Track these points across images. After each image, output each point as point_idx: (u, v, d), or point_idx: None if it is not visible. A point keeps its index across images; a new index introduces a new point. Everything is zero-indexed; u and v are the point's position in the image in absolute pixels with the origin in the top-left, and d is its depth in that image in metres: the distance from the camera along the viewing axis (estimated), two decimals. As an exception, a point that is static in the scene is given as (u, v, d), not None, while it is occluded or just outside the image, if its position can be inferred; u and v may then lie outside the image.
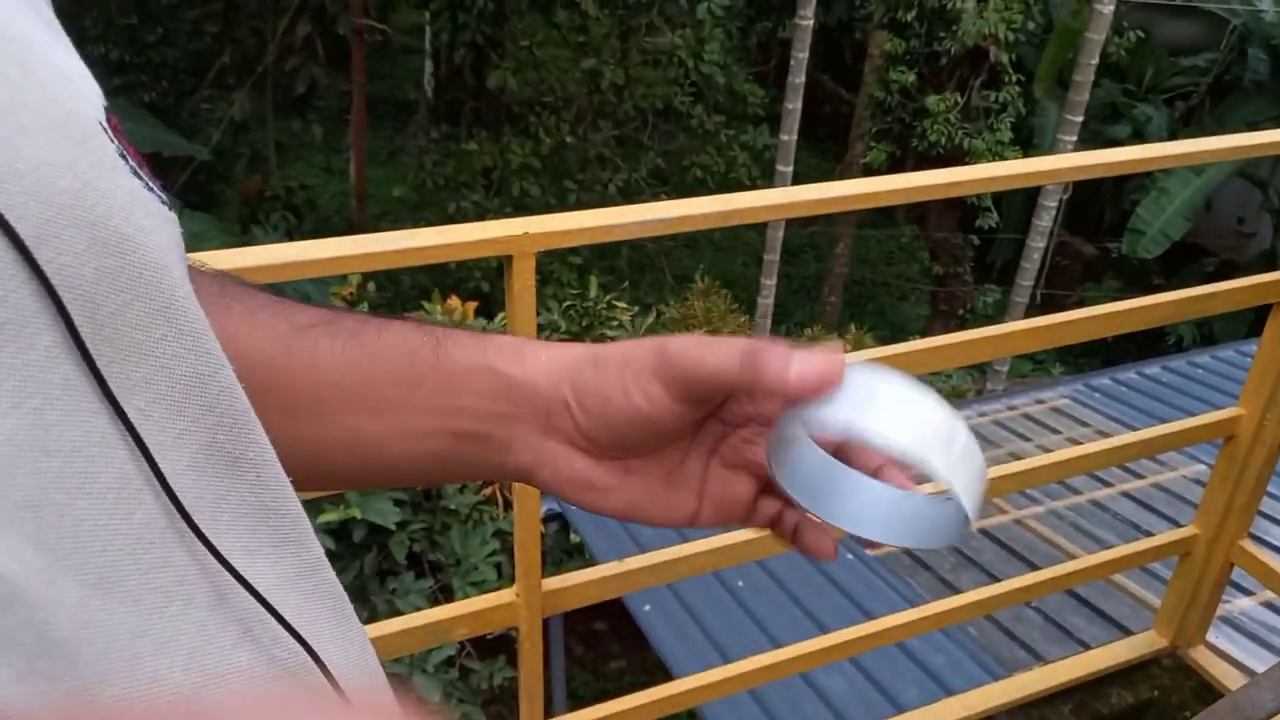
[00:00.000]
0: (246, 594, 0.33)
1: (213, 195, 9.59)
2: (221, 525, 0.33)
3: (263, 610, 0.33)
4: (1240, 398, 1.76)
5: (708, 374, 0.43)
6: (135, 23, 8.77)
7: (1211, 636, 2.17)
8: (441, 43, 10.94)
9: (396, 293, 8.49)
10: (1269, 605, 3.68)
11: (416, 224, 9.24)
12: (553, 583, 1.32)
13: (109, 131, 0.32)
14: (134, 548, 0.29)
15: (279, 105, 9.69)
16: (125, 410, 0.29)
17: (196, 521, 0.31)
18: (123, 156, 0.32)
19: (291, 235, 7.89)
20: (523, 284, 1.05)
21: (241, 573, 0.32)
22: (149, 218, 0.32)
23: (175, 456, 0.31)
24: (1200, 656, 2.03)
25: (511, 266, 1.04)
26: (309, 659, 0.34)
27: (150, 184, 0.34)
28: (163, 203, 0.34)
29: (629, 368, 0.44)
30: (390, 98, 13.67)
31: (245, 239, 8.32)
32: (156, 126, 7.90)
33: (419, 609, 4.50)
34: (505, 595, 1.30)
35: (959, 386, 9.37)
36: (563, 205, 9.65)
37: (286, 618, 0.34)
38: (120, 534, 0.28)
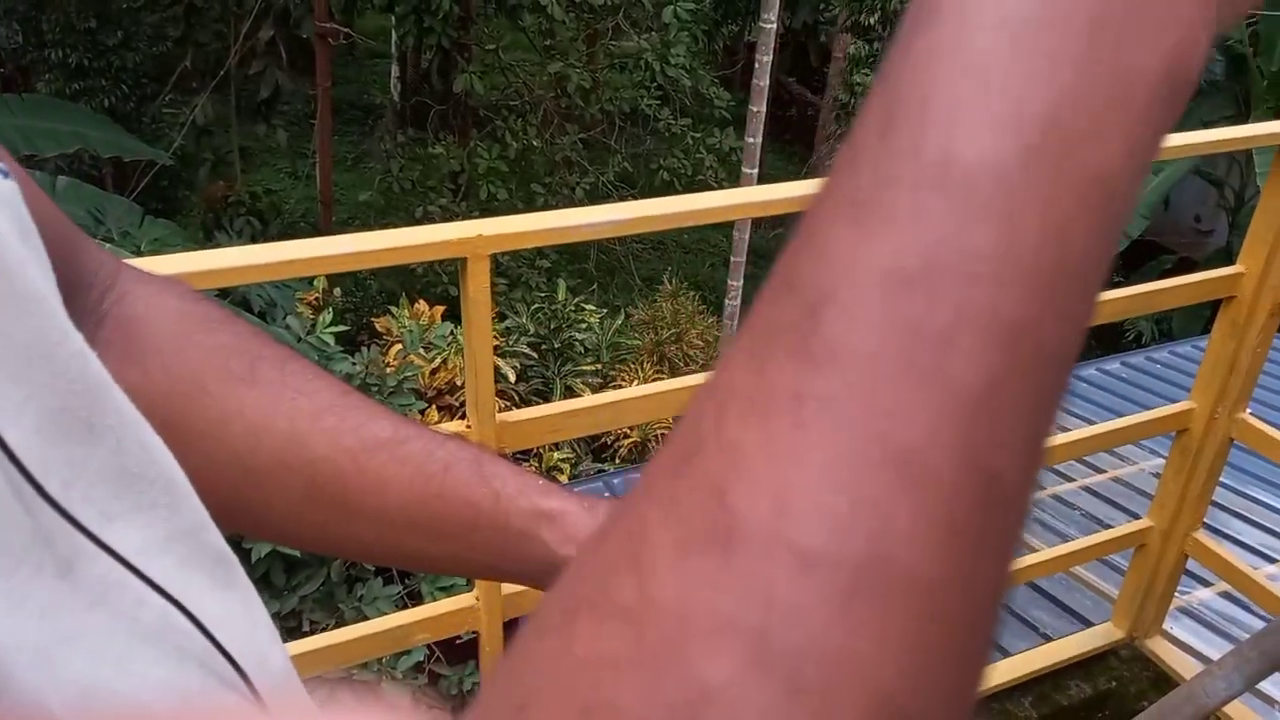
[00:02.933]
0: (107, 557, 0.33)
1: (175, 201, 9.47)
2: (76, 491, 0.33)
3: (126, 572, 0.33)
4: (1191, 392, 1.80)
5: None
6: (95, 26, 8.64)
7: (1169, 627, 2.21)
8: (407, 46, 10.88)
9: (363, 297, 8.44)
10: (1227, 595, 3.76)
11: (383, 228, 9.18)
12: (514, 587, 1.32)
13: None
14: None
15: (243, 110, 9.59)
16: None
17: (46, 487, 0.31)
18: None
19: (256, 240, 7.81)
20: (478, 286, 1.05)
21: (99, 537, 0.32)
22: None
23: (19, 422, 0.31)
24: (1157, 647, 2.07)
25: (466, 269, 1.04)
26: (182, 619, 0.35)
27: None
28: None
29: None
30: (356, 102, 13.58)
31: (209, 245, 8.22)
32: (117, 131, 7.78)
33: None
34: (465, 599, 1.30)
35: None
36: (530, 208, 9.63)
37: (154, 579, 0.34)
38: None
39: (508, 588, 1.31)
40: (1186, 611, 3.55)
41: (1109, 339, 11.50)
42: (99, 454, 0.34)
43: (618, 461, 6.87)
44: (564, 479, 5.84)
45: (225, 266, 0.94)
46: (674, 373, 7.39)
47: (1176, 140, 1.70)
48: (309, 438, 0.50)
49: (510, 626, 1.37)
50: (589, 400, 1.23)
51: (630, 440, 7.04)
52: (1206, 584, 3.86)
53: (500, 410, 1.17)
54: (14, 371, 0.31)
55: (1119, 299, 1.64)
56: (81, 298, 0.48)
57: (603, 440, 7.20)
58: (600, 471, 6.34)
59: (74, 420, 0.33)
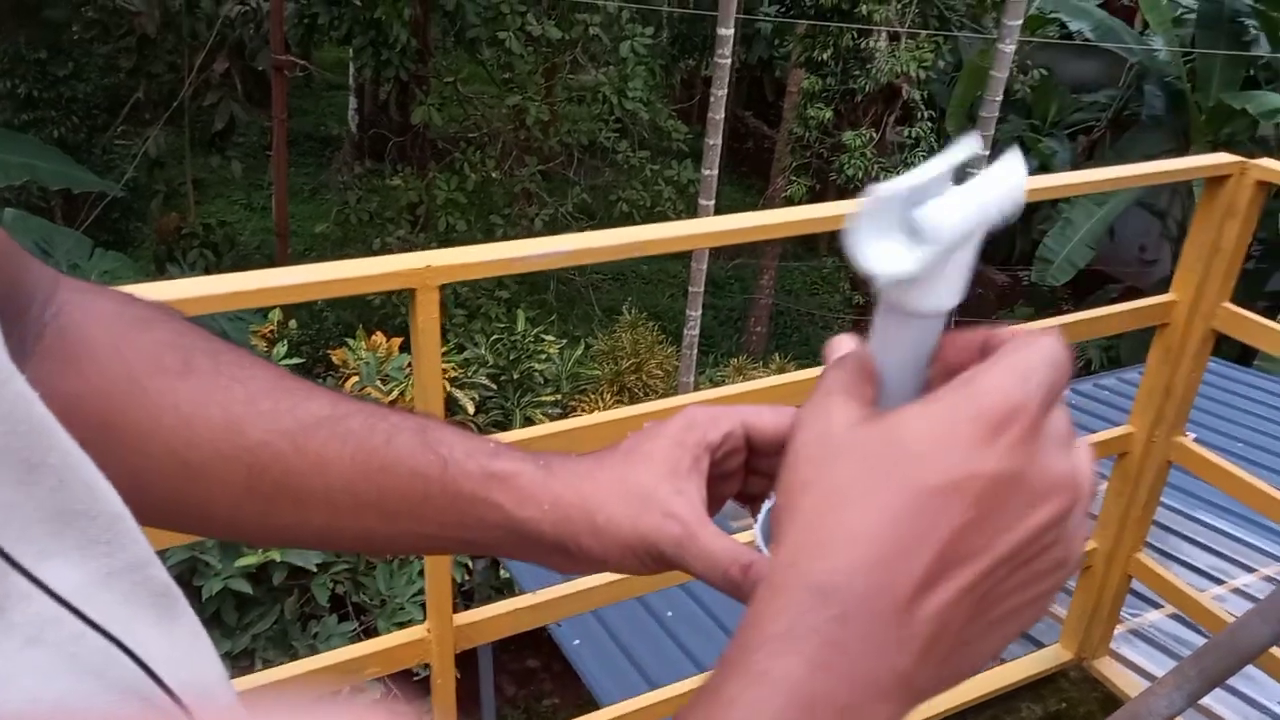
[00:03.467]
0: (43, 595, 0.33)
1: (127, 233, 9.33)
2: (12, 530, 0.33)
3: (62, 610, 0.33)
4: (1130, 416, 1.85)
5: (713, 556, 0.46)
6: (45, 57, 8.53)
7: (1119, 648, 2.25)
8: (365, 79, 10.89)
9: (319, 330, 8.36)
10: (1176, 617, 3.83)
11: (340, 260, 9.11)
12: (465, 617, 1.31)
13: None
14: None
15: (197, 141, 9.51)
16: None
17: None
18: None
19: (210, 272, 7.72)
20: (426, 316, 1.06)
21: (35, 575, 0.32)
22: None
23: None
24: (1105, 668, 2.10)
25: (415, 300, 1.05)
26: (122, 656, 0.34)
27: None
28: None
29: (639, 539, 0.47)
30: (314, 134, 13.54)
31: (161, 277, 8.10)
32: (67, 163, 7.67)
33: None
34: (416, 632, 1.29)
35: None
36: (490, 239, 9.62)
37: (91, 617, 0.34)
38: None
39: (460, 618, 1.30)
40: (1137, 633, 3.61)
41: (1060, 366, 11.74)
42: (37, 493, 0.34)
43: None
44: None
45: (175, 297, 0.94)
46: (634, 402, 7.40)
47: (1117, 173, 1.76)
48: (245, 424, 0.49)
49: (462, 659, 1.36)
50: (542, 429, 1.24)
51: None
52: (1157, 605, 3.94)
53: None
54: None
55: (1064, 324, 1.68)
56: (25, 316, 0.48)
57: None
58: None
59: (14, 461, 0.33)
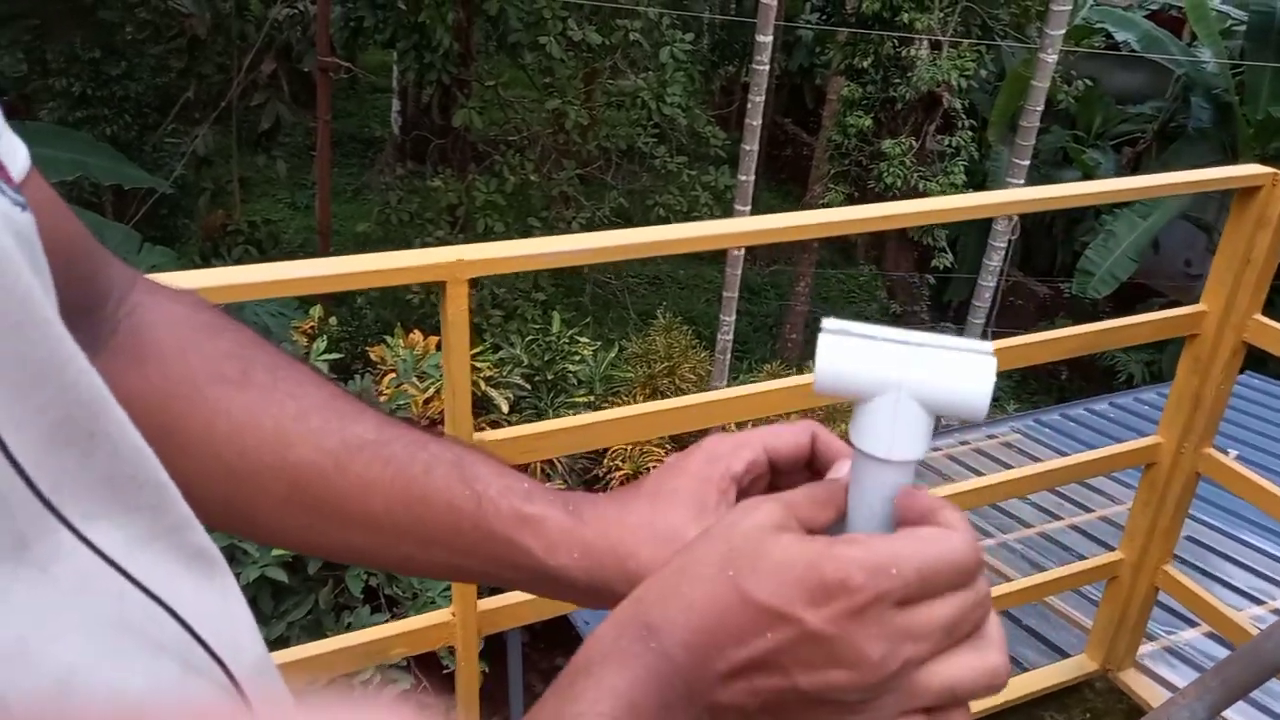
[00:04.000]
0: (89, 552, 0.35)
1: (174, 229, 9.54)
2: (66, 491, 0.35)
3: (107, 567, 0.36)
4: (1159, 427, 1.84)
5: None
6: (99, 56, 8.76)
7: (1149, 662, 2.23)
8: (408, 81, 11.03)
9: (359, 326, 8.48)
10: (1213, 636, 3.77)
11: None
12: (489, 602, 1.34)
13: None
14: None
15: (243, 140, 9.70)
16: None
17: (38, 485, 0.34)
18: None
19: (252, 269, 7.85)
20: (456, 309, 1.09)
21: (83, 533, 0.35)
22: (2, 221, 0.35)
23: (22, 432, 0.34)
24: (1131, 680, 2.09)
25: (445, 293, 1.08)
26: (161, 611, 0.37)
27: (2, 186, 0.37)
28: (15, 204, 0.38)
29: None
30: (357, 135, 13.73)
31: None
32: (118, 159, 7.86)
33: (373, 645, 4.47)
34: (442, 615, 1.33)
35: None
36: (526, 242, 9.69)
37: (133, 575, 0.36)
38: None
39: (484, 604, 1.34)
40: (1171, 650, 3.57)
41: (1101, 380, 11.58)
42: (95, 460, 0.37)
43: (608, 494, 6.87)
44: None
45: (218, 284, 0.98)
46: (665, 406, 7.40)
47: (1148, 181, 1.76)
48: (292, 439, 0.50)
49: (493, 654, 1.39)
50: (565, 422, 1.27)
51: (622, 472, 7.06)
52: (1193, 624, 3.88)
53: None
54: (25, 387, 0.34)
55: (1085, 334, 1.68)
56: (100, 310, 0.51)
57: (595, 473, 7.21)
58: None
59: (76, 430, 0.36)
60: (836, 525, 0.43)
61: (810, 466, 0.50)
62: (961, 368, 0.41)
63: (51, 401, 0.35)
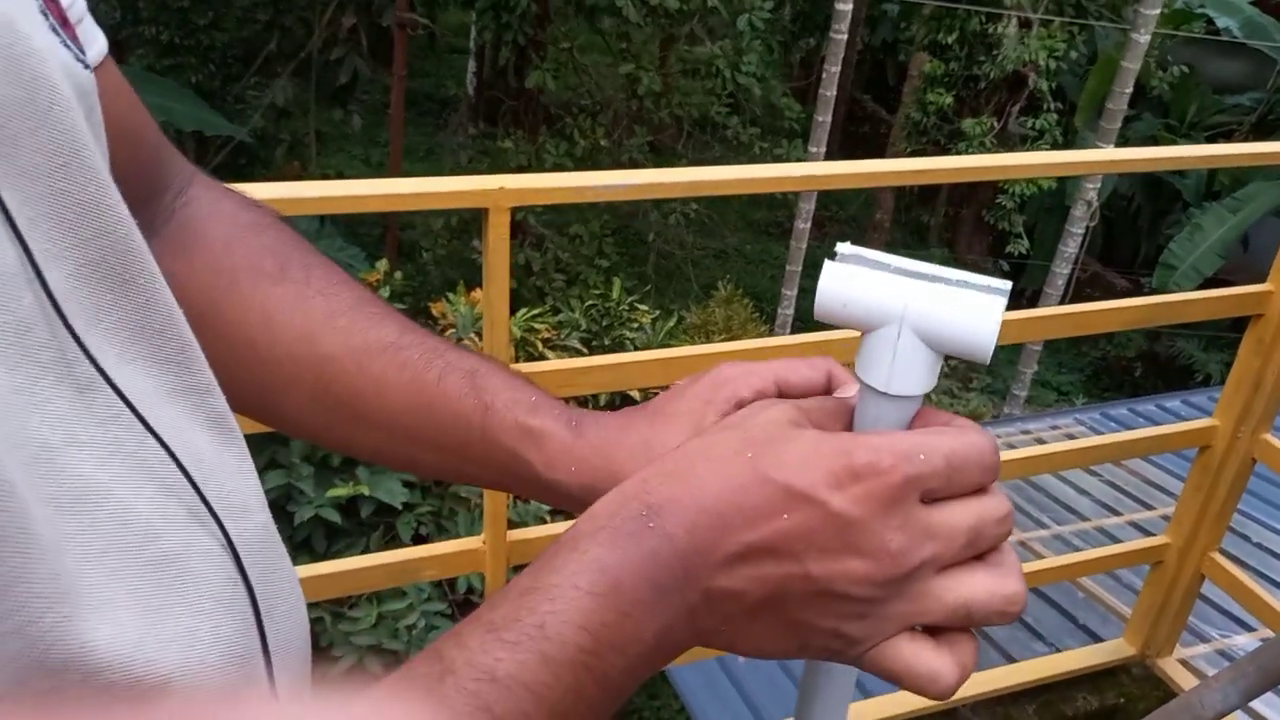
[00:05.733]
0: (113, 393, 0.37)
1: (250, 178, 9.76)
2: (97, 331, 0.37)
3: (128, 411, 0.38)
4: (1215, 409, 1.79)
5: None
6: (187, 6, 8.98)
7: (1191, 655, 2.18)
8: (485, 42, 11.09)
9: (423, 282, 8.61)
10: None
11: (449, 217, 9.38)
12: (519, 533, 1.38)
13: None
14: (16, 326, 0.33)
15: (321, 94, 9.87)
16: (15, 219, 0.34)
17: (70, 321, 0.36)
18: (44, 14, 0.39)
19: (323, 222, 8.03)
20: (497, 236, 1.11)
21: (110, 375, 0.37)
22: (60, 68, 0.38)
23: (59, 265, 0.36)
24: (1169, 667, 2.05)
25: (487, 219, 1.10)
26: (171, 463, 0.39)
27: (68, 42, 0.40)
28: (78, 60, 0.40)
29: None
30: (434, 94, 13.86)
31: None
32: (201, 106, 8.09)
33: (420, 590, 4.57)
34: (473, 542, 1.36)
35: (978, 409, 9.33)
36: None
37: (151, 423, 0.38)
38: (8, 310, 0.33)
39: (514, 534, 1.37)
40: (1224, 654, 3.47)
41: (1177, 378, 11.22)
42: (127, 305, 0.39)
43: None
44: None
45: (267, 197, 1.02)
46: (722, 377, 7.40)
47: (1201, 151, 1.70)
48: (320, 335, 0.52)
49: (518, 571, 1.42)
50: (598, 359, 1.28)
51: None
52: (1250, 629, 3.77)
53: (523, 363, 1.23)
54: (66, 222, 0.36)
55: (1143, 306, 1.64)
56: (159, 199, 0.54)
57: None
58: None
59: (110, 273, 0.38)
60: None
61: None
62: (967, 304, 0.39)
63: (88, 241, 0.37)
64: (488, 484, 0.54)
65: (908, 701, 1.86)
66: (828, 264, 0.41)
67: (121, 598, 0.34)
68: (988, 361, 0.40)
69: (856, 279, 0.40)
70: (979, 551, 0.39)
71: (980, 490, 0.39)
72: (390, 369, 0.52)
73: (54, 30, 0.39)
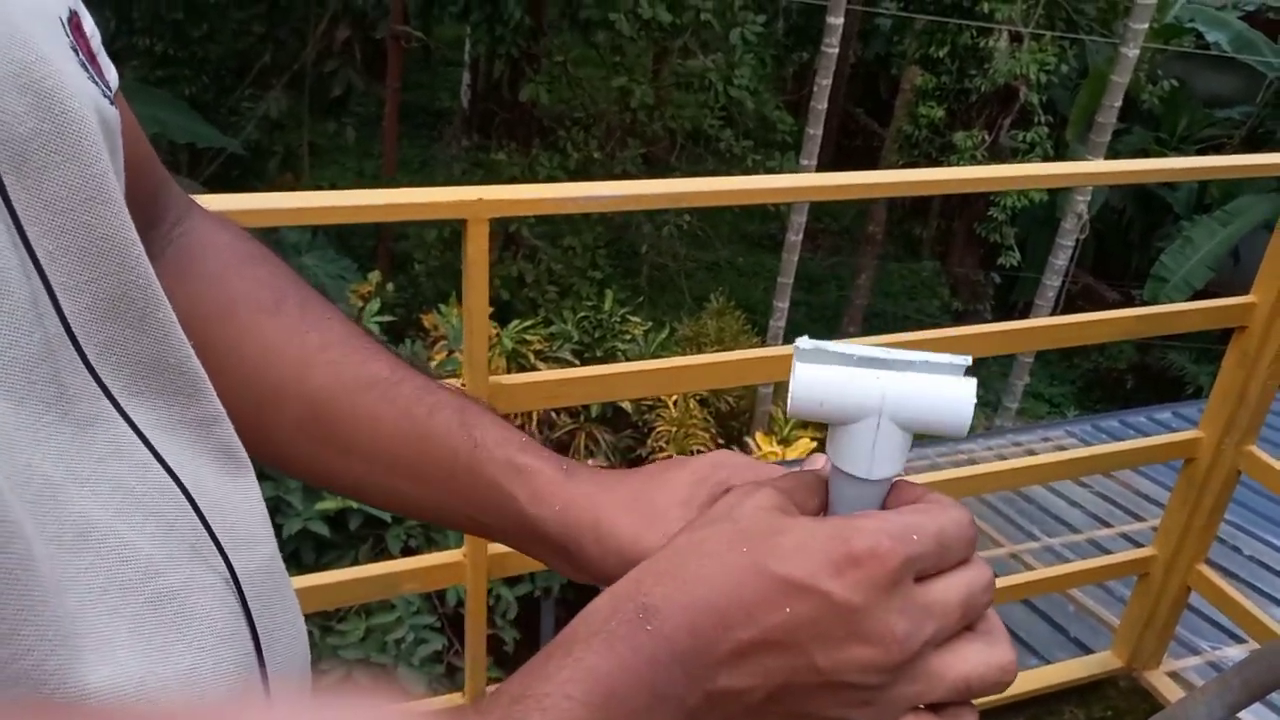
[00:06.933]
0: (123, 424, 0.38)
1: (244, 190, 9.76)
2: (109, 362, 0.38)
3: (138, 441, 0.38)
4: (1200, 421, 1.79)
5: None
6: (181, 18, 8.99)
7: (1180, 667, 2.18)
8: (480, 54, 11.13)
9: (415, 294, 8.60)
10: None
11: (442, 229, 9.38)
12: (499, 546, 1.37)
13: (66, 26, 0.39)
14: (25, 362, 0.34)
15: (315, 107, 9.89)
16: (35, 251, 0.34)
17: (85, 351, 0.36)
18: (74, 50, 0.39)
19: (315, 234, 8.02)
20: (476, 249, 1.11)
21: (120, 404, 0.37)
22: (90, 103, 0.38)
23: (78, 297, 0.36)
24: (1157, 680, 2.04)
25: (467, 231, 1.10)
26: (179, 493, 0.39)
27: (94, 78, 0.40)
28: (104, 96, 0.41)
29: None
30: (428, 107, 13.89)
31: (273, 235, 8.46)
32: (194, 118, 8.08)
33: (410, 603, 4.55)
34: (453, 555, 1.36)
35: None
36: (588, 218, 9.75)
37: (161, 454, 0.39)
38: (19, 346, 0.33)
39: (494, 547, 1.36)
40: (1215, 666, 3.47)
41: (1169, 390, 11.24)
42: (143, 340, 0.40)
43: (651, 473, 6.89)
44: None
45: (247, 208, 1.01)
46: (713, 390, 7.40)
47: (1190, 163, 1.71)
48: (312, 369, 0.53)
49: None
50: (584, 370, 1.28)
51: (665, 454, 7.08)
52: (1240, 640, 3.77)
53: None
54: (89, 257, 0.37)
55: (1129, 318, 1.64)
56: (158, 227, 0.55)
57: (638, 452, 7.24)
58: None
59: (130, 307, 0.39)
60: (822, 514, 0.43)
61: None
62: (942, 390, 0.40)
63: (110, 275, 0.38)
64: (466, 520, 0.54)
65: None
66: (797, 366, 0.41)
67: (122, 636, 0.34)
68: (963, 436, 0.41)
69: (829, 377, 0.40)
70: (971, 621, 0.40)
71: (964, 562, 0.39)
72: (381, 403, 0.53)
73: (83, 66, 0.39)
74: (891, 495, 0.42)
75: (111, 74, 0.46)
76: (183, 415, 0.42)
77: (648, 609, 0.37)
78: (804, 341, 0.41)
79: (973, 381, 0.40)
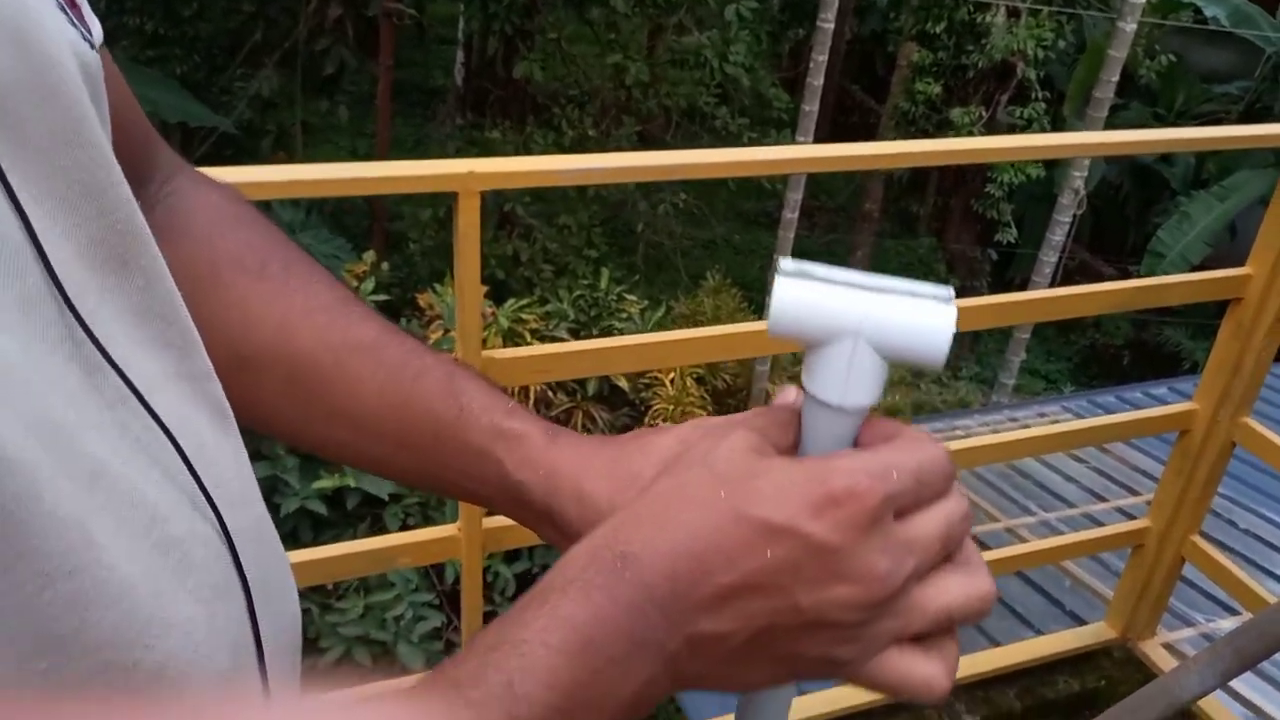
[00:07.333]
0: (116, 376, 0.37)
1: (238, 170, 9.69)
2: (101, 314, 0.37)
3: (131, 395, 0.37)
4: (1195, 393, 1.79)
5: None
6: (172, -3, 8.92)
7: (1174, 638, 2.19)
8: (473, 31, 11.04)
9: (410, 273, 8.58)
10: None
11: (436, 208, 9.35)
12: (495, 520, 1.37)
13: None
14: (23, 303, 0.33)
15: (308, 85, 9.82)
16: (18, 196, 0.34)
17: (77, 307, 0.35)
18: None
19: (309, 212, 7.99)
20: (468, 222, 1.10)
21: (114, 359, 0.37)
22: (68, 47, 0.38)
23: (62, 244, 0.35)
24: (1151, 651, 2.06)
25: (457, 204, 1.09)
26: (173, 449, 0.38)
27: (74, 21, 0.40)
28: (84, 40, 0.40)
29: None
30: (421, 85, 13.80)
31: (267, 213, 8.42)
32: (186, 97, 8.03)
33: (408, 580, 4.57)
34: (448, 529, 1.36)
35: (966, 397, 9.35)
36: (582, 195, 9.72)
37: (153, 406, 0.38)
38: (11, 289, 0.33)
39: (489, 520, 1.36)
40: (1209, 637, 3.50)
41: (1165, 365, 11.27)
42: (128, 288, 0.39)
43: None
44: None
45: (238, 181, 1.00)
46: (709, 366, 7.41)
47: (1181, 134, 1.70)
48: (297, 331, 0.52)
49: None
50: (576, 345, 1.28)
51: (662, 431, 7.07)
52: (1235, 613, 3.80)
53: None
54: (69, 201, 0.36)
55: (1123, 290, 1.64)
56: (145, 186, 0.54)
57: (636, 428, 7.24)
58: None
59: (111, 254, 0.38)
60: (796, 451, 0.42)
61: None
62: (922, 316, 0.39)
63: (91, 220, 0.37)
64: (452, 486, 0.53)
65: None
66: (778, 280, 0.40)
67: (136, 578, 0.34)
68: (941, 367, 0.40)
69: (809, 295, 0.40)
70: (950, 553, 0.40)
71: (940, 494, 0.39)
72: (366, 366, 0.52)
73: (61, 9, 0.39)
74: (867, 431, 0.41)
75: (95, 25, 0.45)
76: (176, 369, 0.41)
77: (626, 556, 0.37)
78: (787, 261, 0.40)
79: (953, 311, 0.39)
